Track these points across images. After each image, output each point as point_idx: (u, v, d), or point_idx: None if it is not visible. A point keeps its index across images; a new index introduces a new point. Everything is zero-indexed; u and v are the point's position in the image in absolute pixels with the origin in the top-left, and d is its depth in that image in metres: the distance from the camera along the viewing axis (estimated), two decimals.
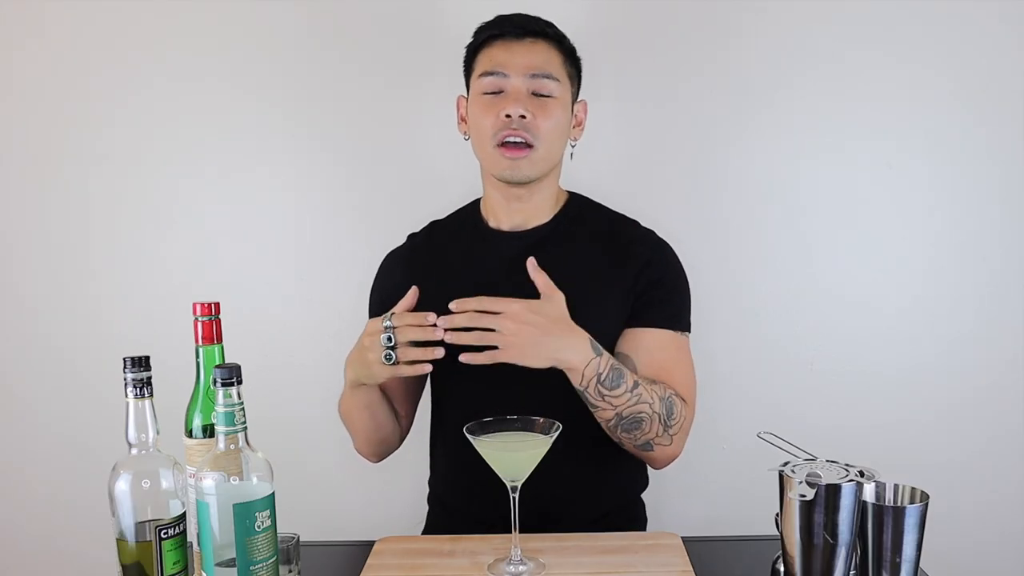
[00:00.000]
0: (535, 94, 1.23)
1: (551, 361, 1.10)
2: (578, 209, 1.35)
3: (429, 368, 1.10)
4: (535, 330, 1.08)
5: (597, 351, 1.13)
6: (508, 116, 1.21)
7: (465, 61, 1.32)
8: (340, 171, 1.72)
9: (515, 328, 1.07)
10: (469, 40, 1.31)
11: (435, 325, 1.07)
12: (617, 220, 1.35)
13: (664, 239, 1.34)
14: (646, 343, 1.25)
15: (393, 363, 1.10)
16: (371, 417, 1.29)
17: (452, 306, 1.08)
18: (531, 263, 1.14)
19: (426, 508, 1.44)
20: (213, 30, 1.68)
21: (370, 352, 1.12)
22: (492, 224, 1.33)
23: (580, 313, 1.20)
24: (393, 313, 1.11)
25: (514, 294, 1.20)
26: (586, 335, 1.13)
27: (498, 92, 1.24)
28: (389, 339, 1.09)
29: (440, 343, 1.08)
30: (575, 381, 1.13)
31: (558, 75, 1.25)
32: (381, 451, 1.36)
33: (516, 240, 1.31)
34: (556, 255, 1.25)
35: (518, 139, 1.22)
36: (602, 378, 1.13)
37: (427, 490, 1.44)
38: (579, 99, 1.33)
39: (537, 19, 1.28)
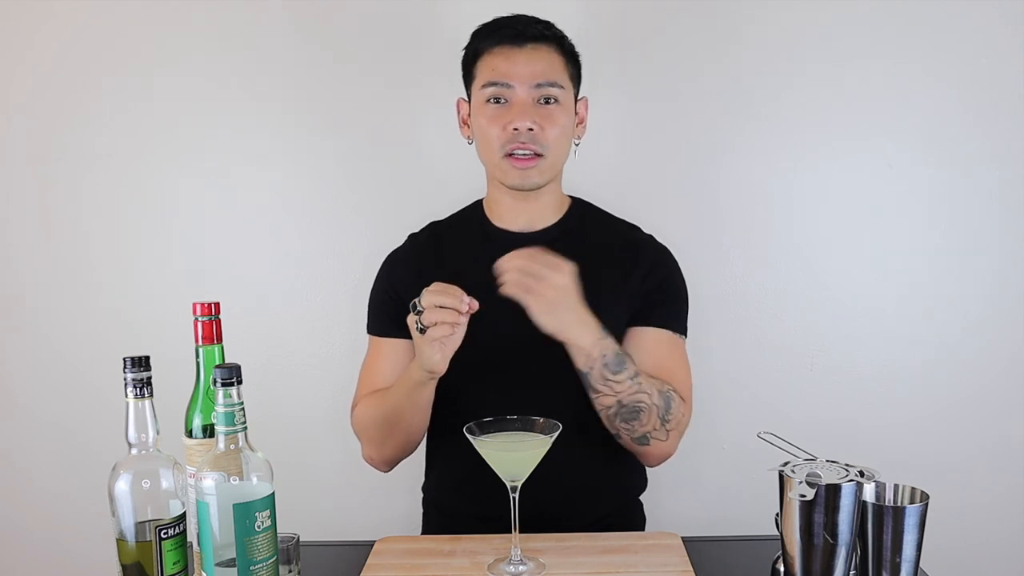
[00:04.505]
0: (539, 101, 1.23)
1: (563, 332, 1.10)
2: (583, 213, 1.35)
3: (459, 332, 1.08)
4: (564, 296, 1.09)
5: (604, 334, 1.13)
6: (516, 129, 1.21)
7: (464, 66, 1.31)
8: (340, 171, 1.72)
9: (552, 292, 1.08)
10: (467, 41, 1.30)
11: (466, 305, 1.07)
12: (620, 225, 1.36)
13: (665, 245, 1.35)
14: (646, 342, 1.26)
15: (424, 332, 1.08)
16: (423, 417, 1.27)
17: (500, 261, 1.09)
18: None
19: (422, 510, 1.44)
20: (213, 31, 1.68)
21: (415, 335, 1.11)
22: (498, 224, 1.33)
23: None
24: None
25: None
26: (594, 318, 1.13)
27: (501, 100, 1.24)
28: (414, 307, 1.09)
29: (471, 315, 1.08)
30: (581, 362, 1.13)
31: (562, 81, 1.25)
32: (406, 454, 1.34)
33: (524, 241, 1.29)
34: (565, 257, 1.25)
35: (527, 152, 1.22)
36: (607, 360, 1.13)
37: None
38: (580, 96, 1.32)
39: (536, 21, 1.26)
